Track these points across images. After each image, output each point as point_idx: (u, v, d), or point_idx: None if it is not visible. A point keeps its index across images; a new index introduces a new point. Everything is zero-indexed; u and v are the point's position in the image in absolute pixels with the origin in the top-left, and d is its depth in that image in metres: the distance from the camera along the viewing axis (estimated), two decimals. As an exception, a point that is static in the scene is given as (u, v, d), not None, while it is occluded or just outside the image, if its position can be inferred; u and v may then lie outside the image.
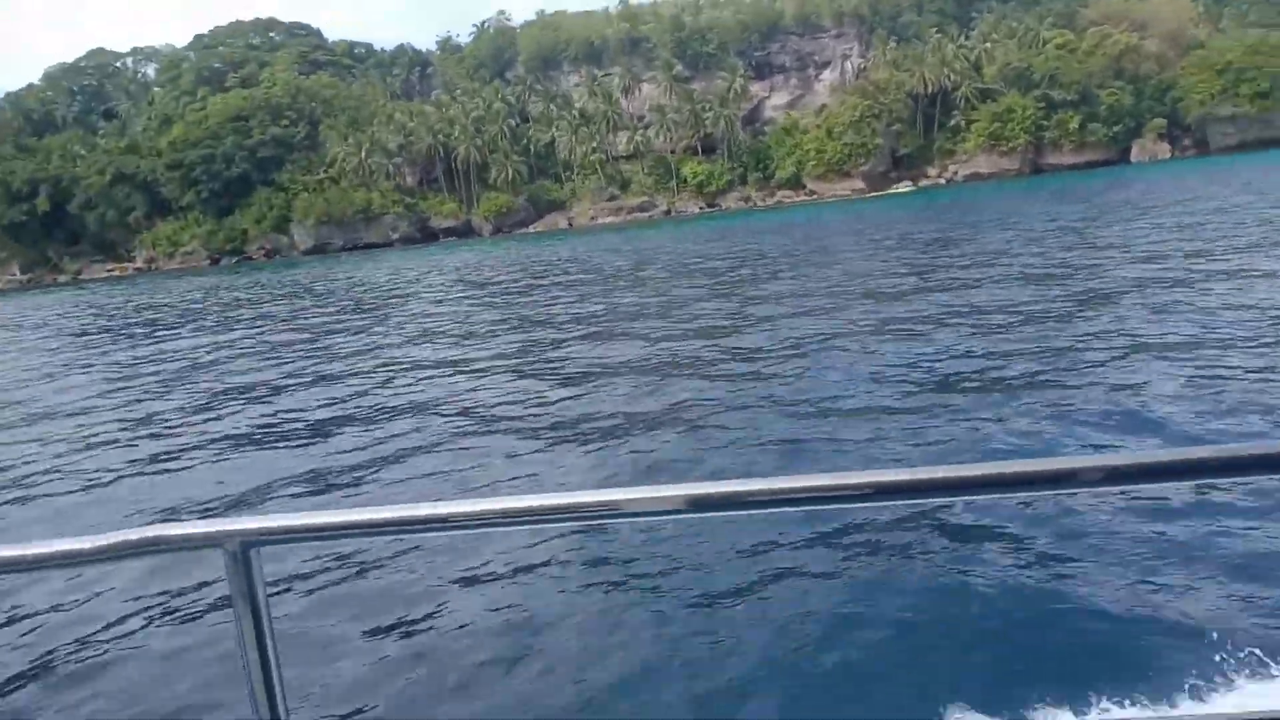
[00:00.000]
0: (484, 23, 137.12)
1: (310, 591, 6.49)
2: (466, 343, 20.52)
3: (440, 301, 32.09)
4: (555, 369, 15.78)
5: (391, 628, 6.04)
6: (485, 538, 6.98)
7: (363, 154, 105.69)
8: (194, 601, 6.51)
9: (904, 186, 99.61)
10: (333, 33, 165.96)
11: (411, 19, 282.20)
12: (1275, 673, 4.60)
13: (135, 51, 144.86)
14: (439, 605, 6.19)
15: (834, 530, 6.85)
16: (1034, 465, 1.11)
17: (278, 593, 6.35)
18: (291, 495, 9.20)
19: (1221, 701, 4.43)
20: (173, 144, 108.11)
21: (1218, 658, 4.75)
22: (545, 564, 6.72)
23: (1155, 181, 57.53)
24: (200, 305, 41.87)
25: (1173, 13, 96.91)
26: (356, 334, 24.35)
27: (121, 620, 6.48)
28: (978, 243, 31.37)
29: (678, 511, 1.18)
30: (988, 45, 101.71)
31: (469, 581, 6.55)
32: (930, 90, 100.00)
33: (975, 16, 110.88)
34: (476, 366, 16.81)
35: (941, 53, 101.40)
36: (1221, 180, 48.70)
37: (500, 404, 13.18)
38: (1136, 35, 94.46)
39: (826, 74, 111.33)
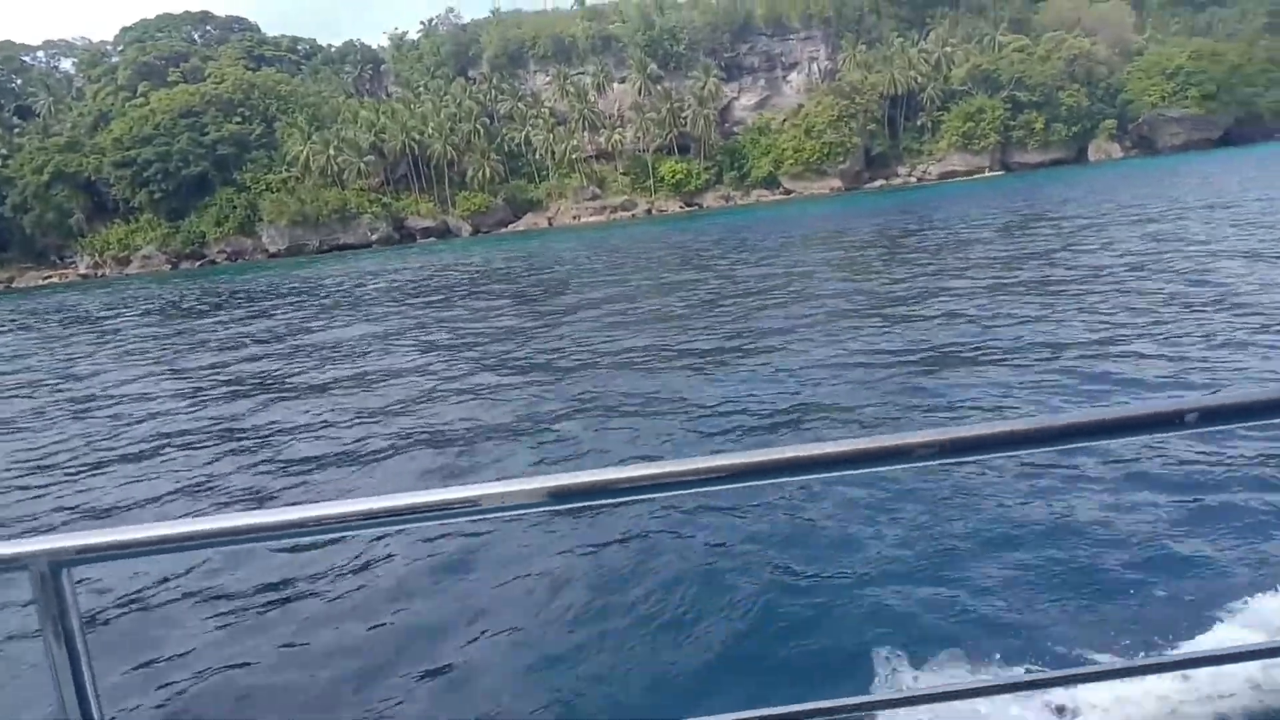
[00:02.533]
0: (432, 20, 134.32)
1: (129, 609, 5.91)
2: (388, 355, 18.56)
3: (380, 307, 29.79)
4: (440, 373, 15.00)
5: (218, 644, 5.60)
6: (331, 543, 6.40)
7: (330, 151, 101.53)
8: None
9: (880, 183, 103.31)
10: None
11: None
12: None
13: (48, 45, 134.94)
14: (273, 616, 5.74)
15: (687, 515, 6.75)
16: (868, 443, 1.15)
17: (93, 612, 5.77)
18: (113, 510, 8.38)
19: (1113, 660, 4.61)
20: (118, 141, 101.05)
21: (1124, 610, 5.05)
22: (389, 565, 6.30)
23: (1132, 178, 59.00)
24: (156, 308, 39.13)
25: (1116, 19, 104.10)
26: (272, 342, 22.75)
27: None
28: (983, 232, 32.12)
29: (539, 504, 1.17)
30: (947, 49, 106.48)
31: (310, 590, 6.05)
32: (899, 91, 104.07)
33: (929, 21, 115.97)
34: (374, 376, 15.64)
35: (906, 55, 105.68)
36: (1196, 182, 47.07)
37: (392, 409, 12.51)
38: (1089, 40, 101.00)
39: (794, 75, 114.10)
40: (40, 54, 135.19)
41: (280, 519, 1.18)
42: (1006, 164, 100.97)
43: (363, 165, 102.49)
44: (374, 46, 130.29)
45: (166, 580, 6.18)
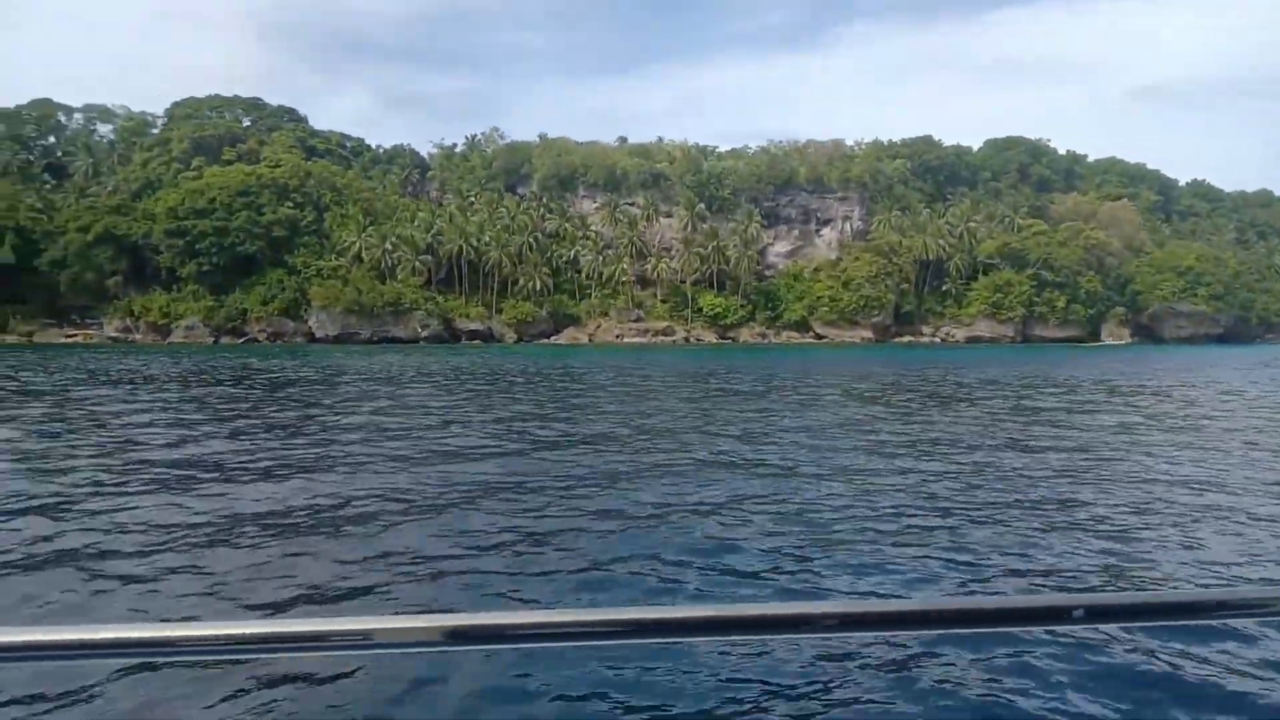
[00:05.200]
0: (474, 136, 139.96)
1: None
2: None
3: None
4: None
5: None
6: (244, 666, 5.59)
7: (387, 246, 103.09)
8: None
9: (908, 338, 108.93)
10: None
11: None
12: None
13: (88, 108, 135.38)
14: None
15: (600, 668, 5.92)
16: (766, 609, 1.28)
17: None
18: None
19: None
20: (172, 211, 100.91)
21: None
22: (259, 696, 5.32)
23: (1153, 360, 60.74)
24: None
25: (1126, 219, 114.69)
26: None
27: None
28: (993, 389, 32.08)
29: (433, 644, 1.11)
30: (971, 224, 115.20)
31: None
32: (929, 257, 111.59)
33: (949, 198, 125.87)
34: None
35: (935, 225, 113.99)
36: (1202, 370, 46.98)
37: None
38: (1103, 233, 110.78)
39: (826, 230, 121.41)
40: (78, 115, 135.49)
41: (150, 635, 1.07)
42: (1027, 336, 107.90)
43: (417, 263, 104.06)
44: (423, 154, 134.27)
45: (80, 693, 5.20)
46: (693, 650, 5.99)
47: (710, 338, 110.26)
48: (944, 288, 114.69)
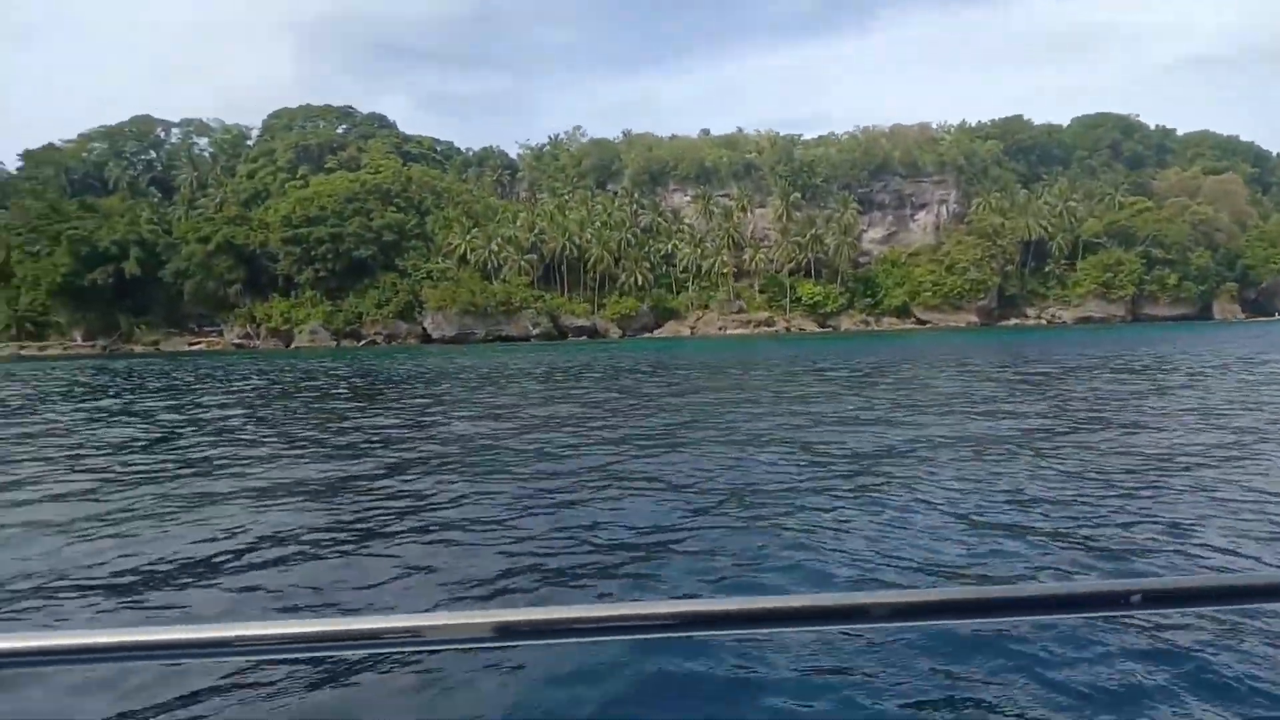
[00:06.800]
0: (556, 135, 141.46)
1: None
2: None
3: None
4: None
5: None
6: (284, 665, 5.68)
7: (493, 247, 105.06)
8: None
9: (1014, 321, 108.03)
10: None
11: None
12: None
13: (185, 123, 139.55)
14: None
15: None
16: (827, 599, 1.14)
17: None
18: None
19: None
20: (286, 219, 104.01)
21: None
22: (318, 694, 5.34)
23: None
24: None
25: (1232, 192, 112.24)
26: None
27: None
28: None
29: (484, 640, 1.13)
30: (1070, 203, 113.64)
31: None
32: (1031, 238, 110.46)
33: (1043, 177, 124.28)
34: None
35: (1034, 206, 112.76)
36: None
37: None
38: (1210, 207, 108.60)
39: (922, 215, 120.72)
40: (176, 130, 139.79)
41: (205, 636, 1.09)
42: (1137, 315, 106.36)
43: (523, 263, 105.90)
44: (512, 155, 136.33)
45: (89, 691, 5.25)
46: (745, 642, 5.74)
47: (810, 327, 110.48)
48: (1046, 269, 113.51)
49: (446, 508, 10.31)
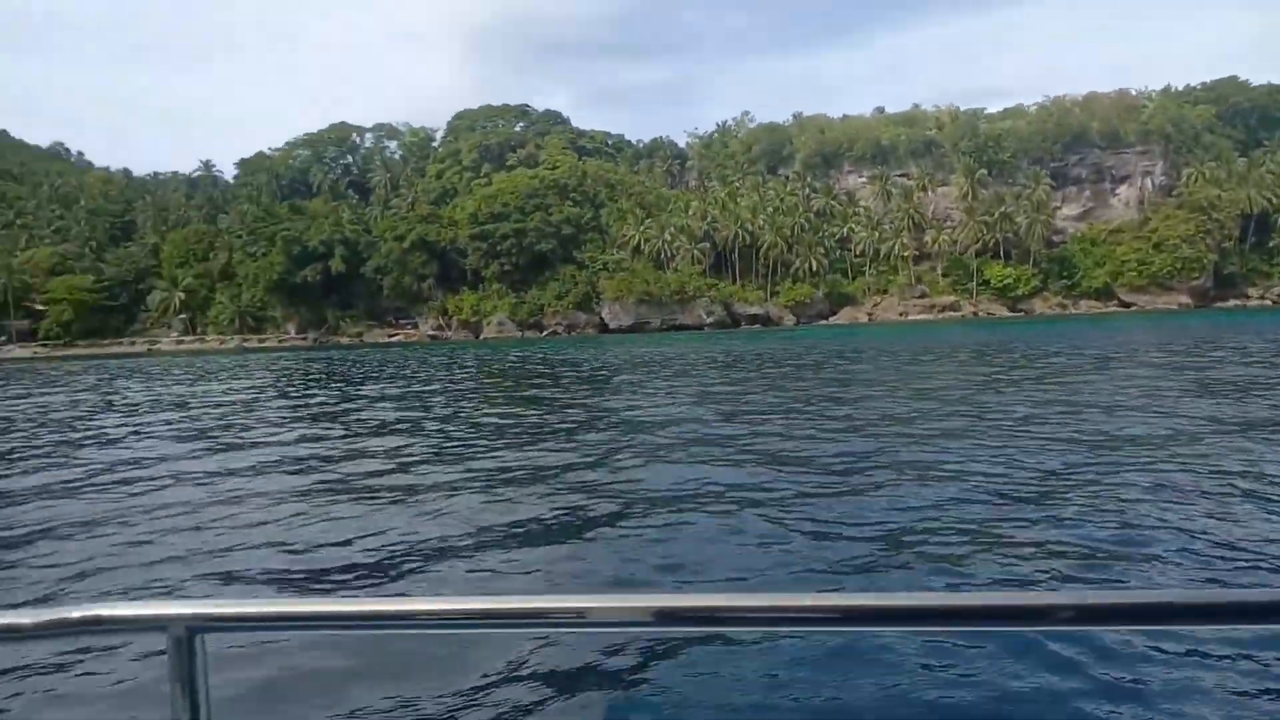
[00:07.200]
0: (724, 123, 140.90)
1: (256, 682, 5.45)
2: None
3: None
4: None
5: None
6: (456, 639, 5.88)
7: (666, 236, 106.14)
8: (127, 684, 5.47)
9: (1233, 302, 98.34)
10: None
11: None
12: None
13: (378, 128, 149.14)
14: (394, 708, 5.18)
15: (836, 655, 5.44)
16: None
17: (220, 681, 5.02)
18: (243, 578, 7.71)
19: None
20: (473, 216, 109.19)
21: None
22: (512, 669, 5.53)
23: None
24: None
25: None
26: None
27: (45, 698, 5.44)
28: None
29: (645, 624, 1.13)
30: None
31: (429, 685, 5.39)
32: (1252, 210, 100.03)
33: (1264, 143, 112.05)
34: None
35: (1255, 175, 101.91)
36: None
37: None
38: None
39: (1123, 189, 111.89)
40: (369, 135, 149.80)
41: (398, 608, 1.16)
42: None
43: (695, 251, 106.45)
44: (680, 144, 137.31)
45: (298, 657, 5.74)
46: (907, 641, 5.41)
47: (999, 311, 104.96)
48: (1271, 244, 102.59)
49: (719, 490, 10.45)
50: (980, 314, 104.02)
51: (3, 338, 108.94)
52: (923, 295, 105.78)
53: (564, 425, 18.04)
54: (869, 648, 5.38)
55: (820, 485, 10.53)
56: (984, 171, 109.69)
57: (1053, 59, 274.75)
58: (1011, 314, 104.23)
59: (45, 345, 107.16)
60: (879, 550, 7.73)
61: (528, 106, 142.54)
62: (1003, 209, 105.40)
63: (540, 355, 55.00)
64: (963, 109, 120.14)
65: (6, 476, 13.83)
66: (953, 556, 7.47)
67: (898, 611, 1.10)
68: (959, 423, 15.56)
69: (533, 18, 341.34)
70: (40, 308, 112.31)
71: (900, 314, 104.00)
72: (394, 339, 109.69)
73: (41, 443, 18.19)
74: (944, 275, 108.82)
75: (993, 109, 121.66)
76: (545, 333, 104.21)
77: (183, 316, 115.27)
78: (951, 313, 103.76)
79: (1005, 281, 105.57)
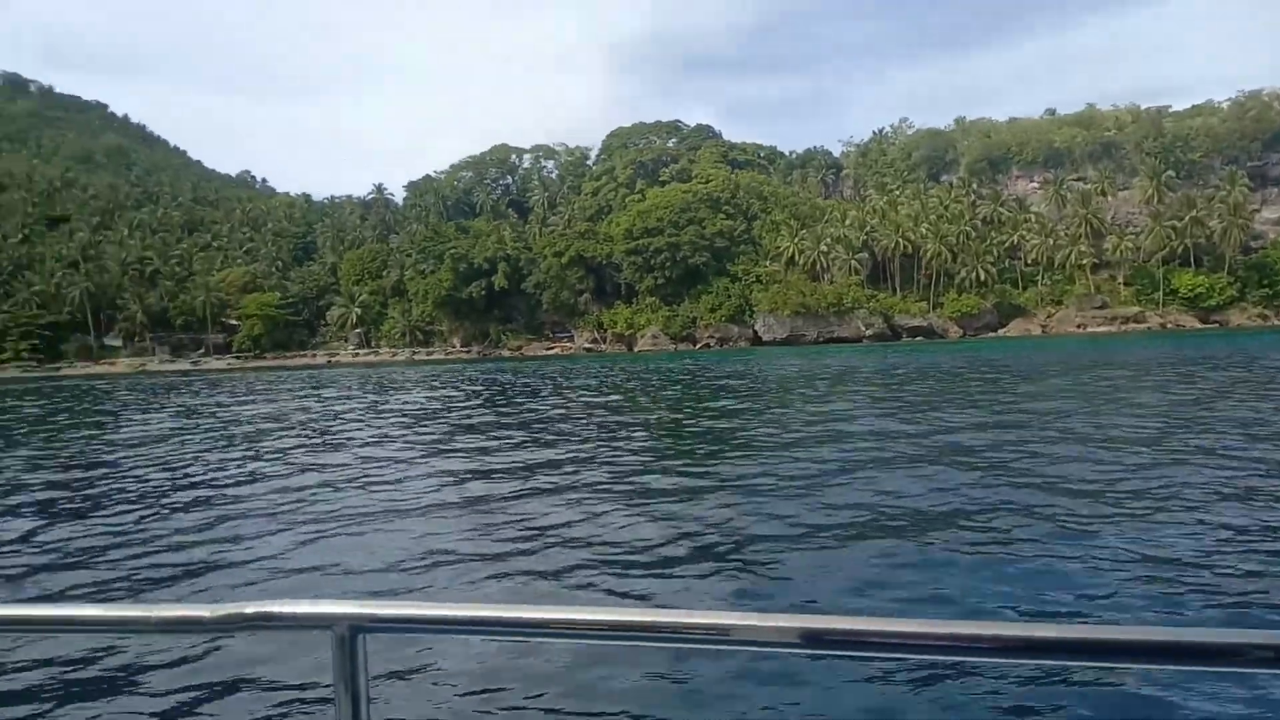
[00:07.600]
0: (880, 130, 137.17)
1: (414, 684, 5.39)
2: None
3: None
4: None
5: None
6: (609, 650, 5.56)
7: (822, 248, 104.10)
8: (293, 680, 5.42)
9: None
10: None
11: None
12: None
13: (535, 148, 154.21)
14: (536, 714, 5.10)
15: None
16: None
17: (379, 679, 5.40)
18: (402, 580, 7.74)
19: None
20: (628, 232, 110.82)
21: None
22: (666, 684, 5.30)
23: None
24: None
25: None
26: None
27: (214, 692, 5.41)
28: None
29: (790, 645, 1.10)
30: None
31: (583, 695, 5.27)
32: None
33: None
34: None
35: None
36: None
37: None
38: None
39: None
40: (527, 156, 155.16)
41: (556, 617, 1.17)
42: None
43: (853, 262, 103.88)
44: (835, 154, 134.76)
45: (456, 661, 5.75)
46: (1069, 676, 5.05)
47: (1190, 322, 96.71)
48: None
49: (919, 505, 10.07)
50: (1169, 325, 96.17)
51: (200, 350, 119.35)
52: (1103, 306, 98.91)
53: (769, 438, 17.70)
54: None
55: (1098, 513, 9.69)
56: (1170, 173, 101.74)
57: (1239, 51, 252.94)
58: (1204, 326, 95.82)
59: (239, 357, 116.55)
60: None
61: (680, 122, 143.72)
62: (1193, 212, 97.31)
63: (705, 369, 54.99)
64: (1144, 107, 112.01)
65: (267, 477, 14.85)
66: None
67: (1076, 645, 1.02)
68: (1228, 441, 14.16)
69: (677, 36, 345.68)
70: (234, 322, 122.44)
71: (1079, 325, 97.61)
72: (551, 351, 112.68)
73: (295, 442, 19.55)
74: (1126, 284, 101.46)
75: (1178, 106, 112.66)
76: (698, 345, 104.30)
77: (359, 330, 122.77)
78: (1136, 324, 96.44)
79: (1197, 290, 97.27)
